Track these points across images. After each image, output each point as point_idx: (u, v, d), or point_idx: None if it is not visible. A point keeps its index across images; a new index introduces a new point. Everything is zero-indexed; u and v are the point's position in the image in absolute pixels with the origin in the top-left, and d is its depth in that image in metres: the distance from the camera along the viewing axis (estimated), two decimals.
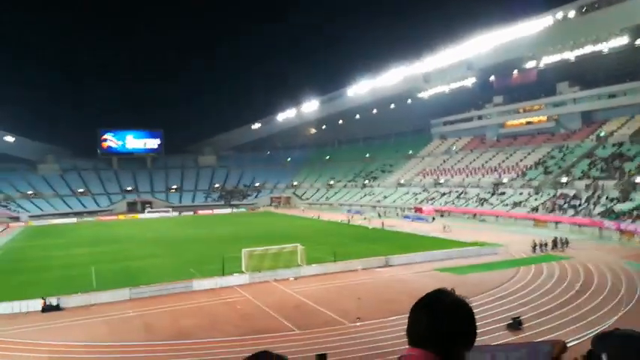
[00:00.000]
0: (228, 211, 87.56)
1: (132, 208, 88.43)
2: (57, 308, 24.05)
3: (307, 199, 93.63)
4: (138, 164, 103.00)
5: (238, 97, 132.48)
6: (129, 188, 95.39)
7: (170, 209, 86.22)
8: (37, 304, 23.97)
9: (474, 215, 59.87)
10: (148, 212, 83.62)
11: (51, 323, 22.12)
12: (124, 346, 18.98)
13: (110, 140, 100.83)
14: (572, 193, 52.24)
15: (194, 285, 27.36)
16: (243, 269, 29.69)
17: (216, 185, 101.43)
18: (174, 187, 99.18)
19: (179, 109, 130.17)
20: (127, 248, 43.25)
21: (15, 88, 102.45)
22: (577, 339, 17.56)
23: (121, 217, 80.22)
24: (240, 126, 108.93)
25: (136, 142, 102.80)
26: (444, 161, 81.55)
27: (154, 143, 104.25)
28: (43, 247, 45.63)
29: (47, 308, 23.91)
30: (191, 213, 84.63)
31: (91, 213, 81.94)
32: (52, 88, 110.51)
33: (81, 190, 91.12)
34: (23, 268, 35.39)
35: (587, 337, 17.55)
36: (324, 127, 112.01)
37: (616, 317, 20.18)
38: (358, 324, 20.57)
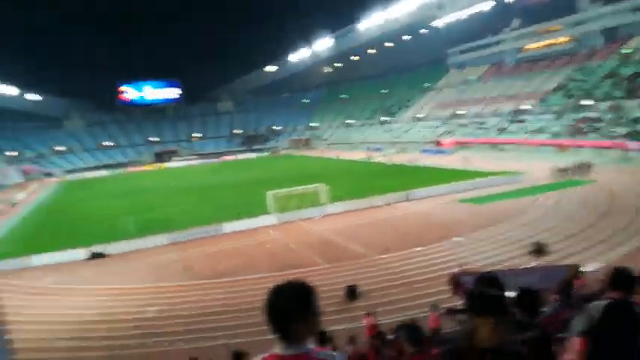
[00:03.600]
0: (251, 155, 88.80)
1: (159, 157, 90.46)
2: (101, 255, 25.78)
3: (326, 139, 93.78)
4: (160, 115, 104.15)
5: (251, 40, 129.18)
6: (153, 139, 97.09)
7: (195, 157, 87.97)
8: (82, 253, 25.73)
9: (494, 145, 59.36)
10: (174, 161, 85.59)
11: (98, 269, 23.84)
12: (168, 287, 20.49)
13: (129, 92, 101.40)
14: (594, 115, 50.98)
15: (224, 228, 28.72)
16: (270, 210, 30.80)
17: (236, 131, 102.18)
18: (197, 135, 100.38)
19: (195, 56, 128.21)
20: (158, 197, 44.96)
21: (31, 44, 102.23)
22: (600, 262, 18.10)
23: (149, 167, 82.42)
24: (255, 69, 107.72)
25: (154, 92, 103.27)
26: (462, 92, 79.77)
27: (173, 93, 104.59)
28: (81, 200, 47.85)
29: (93, 256, 25.67)
30: (215, 160, 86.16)
31: (119, 165, 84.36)
32: (68, 42, 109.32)
33: (107, 143, 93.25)
34: (65, 220, 37.49)
35: (611, 259, 18.10)
36: (338, 65, 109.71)
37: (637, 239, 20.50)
38: (385, 255, 21.53)
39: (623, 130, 45.43)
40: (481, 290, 3.36)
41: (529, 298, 4.23)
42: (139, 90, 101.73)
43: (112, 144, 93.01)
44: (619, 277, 3.85)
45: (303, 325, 2.05)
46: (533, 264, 18.28)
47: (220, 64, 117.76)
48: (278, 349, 2.09)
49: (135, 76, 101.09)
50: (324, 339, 8.26)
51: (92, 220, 36.14)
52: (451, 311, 13.51)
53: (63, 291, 21.14)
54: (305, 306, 2.08)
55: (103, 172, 78.35)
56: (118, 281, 21.56)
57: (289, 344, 2.05)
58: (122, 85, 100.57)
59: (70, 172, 78.64)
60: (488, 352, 2.16)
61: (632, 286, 3.86)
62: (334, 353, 2.22)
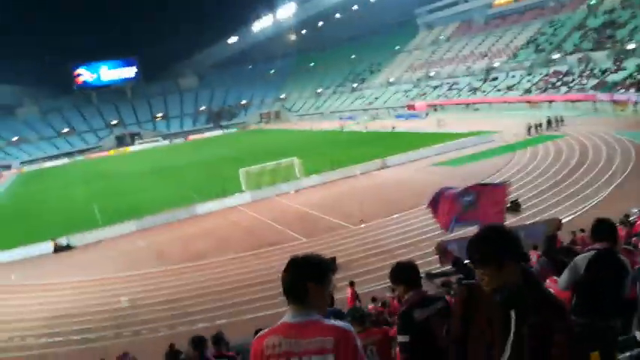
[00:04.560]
0: (218, 132, 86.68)
1: (121, 141, 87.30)
2: (68, 248, 24.60)
3: (297, 110, 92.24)
4: (118, 96, 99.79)
5: (210, 10, 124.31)
6: (114, 122, 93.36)
7: (160, 138, 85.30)
8: (47, 247, 24.47)
9: (467, 105, 59.35)
10: (138, 144, 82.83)
11: (65, 262, 22.76)
12: (141, 274, 19.65)
13: (85, 74, 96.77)
14: (564, 69, 51.25)
15: (197, 209, 27.74)
16: (244, 188, 29.93)
17: (202, 108, 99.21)
18: (160, 114, 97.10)
19: (151, 31, 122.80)
20: (124, 182, 43.33)
21: None
22: (574, 214, 18.20)
23: (112, 152, 79.58)
24: (217, 41, 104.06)
25: (111, 73, 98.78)
26: (433, 53, 79.13)
27: (130, 72, 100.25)
28: (42, 191, 45.74)
29: (59, 249, 24.46)
30: (182, 139, 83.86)
31: (80, 152, 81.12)
32: (15, 27, 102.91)
33: (65, 129, 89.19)
34: (27, 213, 35.70)
35: (585, 210, 18.24)
36: (304, 32, 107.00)
37: (612, 187, 20.70)
38: (362, 226, 21.15)
39: (592, 82, 45.80)
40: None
41: None
42: (95, 72, 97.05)
43: (70, 130, 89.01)
44: (602, 228, 3.91)
45: (320, 289, 2.12)
46: (510, 221, 18.23)
47: (179, 38, 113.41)
48: (287, 318, 2.13)
49: (91, 58, 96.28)
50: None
51: (56, 211, 34.52)
52: (430, 275, 13.33)
53: (30, 287, 20.14)
54: (324, 270, 2.16)
55: (64, 161, 75.15)
56: (87, 273, 20.58)
57: (299, 312, 2.10)
58: (77, 68, 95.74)
59: (27, 162, 75.10)
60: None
61: (615, 235, 3.96)
62: (343, 322, 2.19)
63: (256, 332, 8.45)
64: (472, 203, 7.87)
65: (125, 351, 11.41)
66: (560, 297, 4.05)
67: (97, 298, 17.73)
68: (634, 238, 12.00)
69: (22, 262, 23.63)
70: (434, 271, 13.23)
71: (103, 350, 13.27)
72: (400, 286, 3.57)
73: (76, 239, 25.13)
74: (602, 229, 3.90)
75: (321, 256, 2.22)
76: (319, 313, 2.13)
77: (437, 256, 4.97)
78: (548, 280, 4.22)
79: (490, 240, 2.25)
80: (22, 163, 74.59)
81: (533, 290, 2.26)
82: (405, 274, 3.57)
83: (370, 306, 10.75)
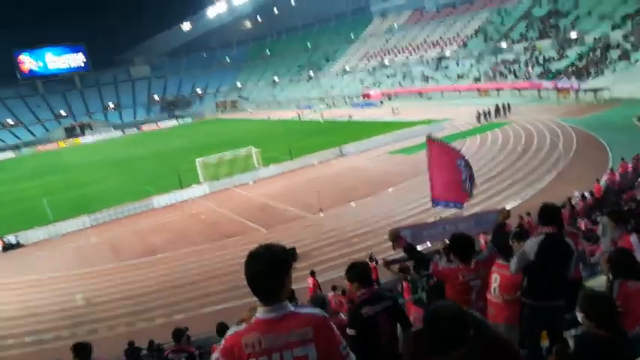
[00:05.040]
0: (173, 123, 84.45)
1: (71, 133, 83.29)
2: (18, 245, 23.58)
3: (254, 99, 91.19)
4: (66, 85, 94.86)
5: None
6: (62, 113, 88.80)
7: (112, 129, 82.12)
8: None
9: (421, 94, 60.71)
10: (89, 135, 79.48)
11: (15, 261, 21.83)
12: (96, 271, 19.18)
13: (29, 62, 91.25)
14: (511, 58, 53.31)
15: (154, 202, 27.19)
16: (201, 179, 29.56)
17: (156, 97, 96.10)
18: (111, 104, 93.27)
19: (97, 16, 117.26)
20: (75, 175, 41.62)
21: None
22: (521, 199, 19.27)
23: (62, 144, 75.93)
24: (169, 27, 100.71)
25: (57, 60, 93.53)
26: (387, 41, 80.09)
27: (78, 60, 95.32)
28: None
29: (7, 247, 23.41)
30: (135, 130, 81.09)
31: (27, 144, 76.77)
32: None
33: (10, 121, 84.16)
34: None
35: (531, 196, 19.34)
36: (259, 19, 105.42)
37: (555, 172, 22.02)
38: (321, 215, 21.48)
39: (537, 71, 47.92)
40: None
41: (462, 242, 4.32)
42: (40, 59, 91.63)
43: (16, 122, 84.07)
44: (548, 213, 4.11)
45: (289, 280, 2.10)
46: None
47: (130, 25, 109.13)
48: (261, 314, 2.10)
49: (35, 45, 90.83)
50: (292, 298, 8.17)
51: (2, 207, 32.82)
52: (387, 262, 13.82)
53: None
54: (285, 264, 2.11)
55: (9, 154, 71.12)
56: (38, 272, 19.85)
57: (273, 306, 2.08)
58: (20, 54, 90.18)
59: None
60: None
61: (560, 219, 4.20)
62: (316, 309, 2.24)
63: (221, 326, 8.58)
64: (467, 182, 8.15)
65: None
66: (513, 281, 4.41)
67: (49, 298, 17.22)
68: (578, 220, 12.99)
69: None
70: (390, 258, 13.73)
71: (58, 351, 12.98)
72: (354, 283, 3.79)
73: (26, 236, 24.10)
74: (548, 213, 4.10)
75: (282, 245, 2.17)
76: (288, 303, 2.14)
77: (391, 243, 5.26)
78: (494, 266, 4.62)
79: (444, 336, 2.02)
80: None
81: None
82: (358, 272, 3.79)
83: (330, 294, 11.06)
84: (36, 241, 24.02)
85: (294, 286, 12.32)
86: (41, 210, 29.23)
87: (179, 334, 8.18)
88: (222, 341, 2.16)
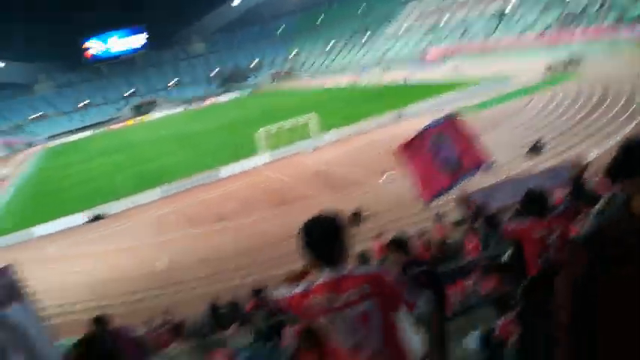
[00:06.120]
0: (232, 96, 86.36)
1: (138, 111, 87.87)
2: (99, 218, 25.55)
3: (308, 68, 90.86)
4: (130, 66, 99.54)
5: None
6: (129, 92, 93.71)
7: (174, 105, 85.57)
8: (79, 219, 25.48)
9: (483, 49, 57.54)
10: (156, 112, 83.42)
11: (99, 232, 23.71)
12: (172, 239, 20.46)
13: (95, 47, 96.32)
14: (581, 5, 48.96)
15: (221, 173, 28.32)
16: (263, 149, 30.27)
17: (213, 73, 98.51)
18: (173, 82, 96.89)
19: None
20: (146, 150, 44.07)
21: None
22: (598, 151, 18.07)
23: (130, 122, 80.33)
24: (220, 4, 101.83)
25: (120, 43, 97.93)
26: None
27: (139, 41, 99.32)
28: (68, 165, 46.84)
29: (91, 219, 25.44)
30: (197, 105, 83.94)
31: (100, 124, 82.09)
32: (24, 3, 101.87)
33: (83, 103, 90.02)
34: (56, 187, 36.85)
35: (608, 148, 18.07)
36: None
37: (634, 123, 20.38)
38: (384, 177, 21.33)
39: (613, 17, 43.82)
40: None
41: (534, 198, 4.26)
42: (105, 42, 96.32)
43: (87, 104, 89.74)
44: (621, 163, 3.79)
45: (342, 245, 2.23)
46: (533, 162, 18.24)
47: (184, 5, 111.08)
48: (321, 279, 2.23)
49: (98, 30, 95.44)
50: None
51: (85, 183, 35.52)
52: (455, 222, 13.58)
53: (70, 257, 21.14)
54: (340, 228, 2.25)
55: (86, 134, 76.42)
56: (121, 240, 21.50)
57: (331, 269, 2.21)
58: (87, 41, 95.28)
59: (51, 138, 76.49)
60: None
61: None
62: (371, 266, 2.50)
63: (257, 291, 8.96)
64: (451, 158, 7.75)
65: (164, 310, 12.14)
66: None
67: (135, 263, 18.64)
68: None
69: (59, 233, 24.67)
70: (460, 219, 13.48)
71: (150, 310, 14.10)
72: (396, 253, 4.19)
73: (107, 208, 26.04)
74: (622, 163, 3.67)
75: (335, 212, 2.31)
76: (346, 265, 2.26)
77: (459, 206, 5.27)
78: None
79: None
80: (46, 138, 76.01)
81: None
82: (399, 244, 4.27)
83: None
84: (115, 213, 25.87)
85: (361, 248, 12.51)
86: (118, 185, 31.36)
87: (258, 291, 8.63)
88: (288, 301, 2.31)
